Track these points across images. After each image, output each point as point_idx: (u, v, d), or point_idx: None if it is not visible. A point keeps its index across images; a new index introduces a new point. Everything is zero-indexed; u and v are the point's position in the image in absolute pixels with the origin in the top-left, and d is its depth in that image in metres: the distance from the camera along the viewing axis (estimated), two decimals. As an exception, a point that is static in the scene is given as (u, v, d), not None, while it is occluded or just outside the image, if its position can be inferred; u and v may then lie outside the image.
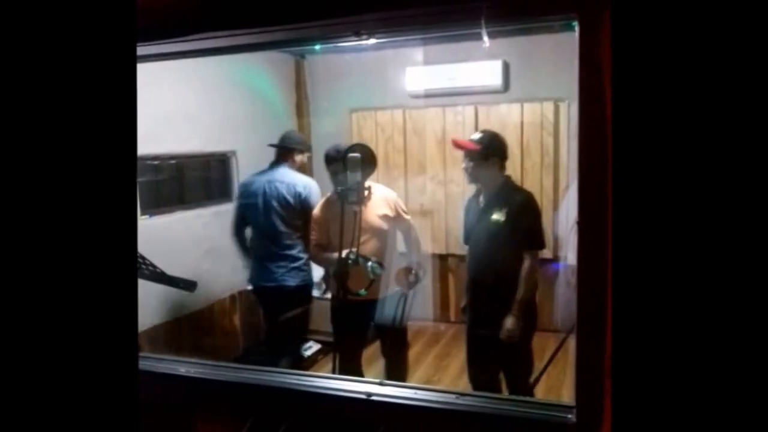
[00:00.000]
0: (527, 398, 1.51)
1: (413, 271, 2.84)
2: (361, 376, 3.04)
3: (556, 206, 4.39)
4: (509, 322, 2.52)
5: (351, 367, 2.91)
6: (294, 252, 3.31)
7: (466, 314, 2.82)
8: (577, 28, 1.10)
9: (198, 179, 4.22)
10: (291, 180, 3.28)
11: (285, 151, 3.35)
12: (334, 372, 2.35)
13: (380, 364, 3.17)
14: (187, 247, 3.80)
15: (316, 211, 3.01)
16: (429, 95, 4.54)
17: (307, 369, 3.66)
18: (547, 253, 4.00)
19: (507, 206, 2.58)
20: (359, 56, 4.14)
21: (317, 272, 3.74)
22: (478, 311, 2.73)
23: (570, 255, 3.07)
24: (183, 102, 3.72)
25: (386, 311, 2.91)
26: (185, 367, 1.61)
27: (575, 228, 1.14)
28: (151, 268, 1.96)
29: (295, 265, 3.32)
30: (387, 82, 4.61)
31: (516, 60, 4.42)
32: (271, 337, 3.74)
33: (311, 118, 5.05)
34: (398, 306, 2.90)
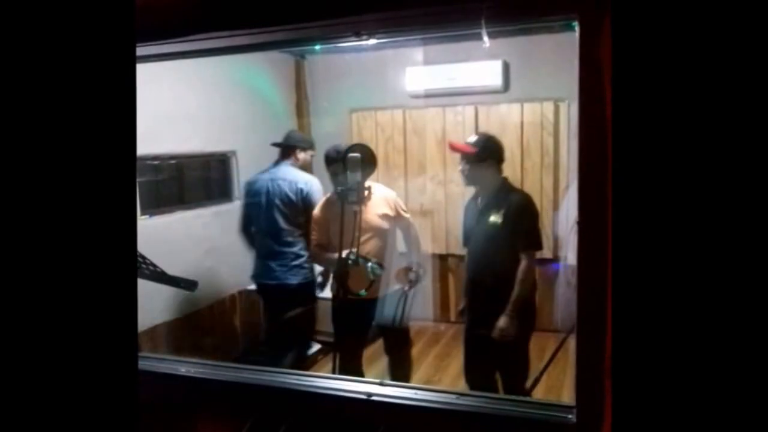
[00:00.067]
0: (527, 398, 1.51)
1: (413, 271, 2.85)
2: (362, 376, 3.04)
3: (556, 206, 4.39)
4: (502, 321, 2.54)
5: (351, 367, 2.91)
6: (295, 249, 3.33)
7: (465, 316, 2.83)
8: (577, 29, 1.10)
9: (198, 179, 4.22)
10: (293, 177, 3.33)
11: (288, 150, 3.40)
12: (334, 372, 2.35)
13: (381, 364, 3.17)
14: (187, 247, 3.80)
15: (316, 211, 3.02)
16: (429, 95, 4.54)
17: (307, 369, 3.66)
18: (547, 253, 4.02)
19: (504, 208, 2.59)
20: (359, 56, 4.14)
21: (316, 270, 3.74)
22: (476, 312, 2.74)
23: (570, 255, 3.08)
24: (183, 102, 3.72)
25: (387, 311, 2.91)
26: (185, 367, 1.61)
27: (575, 228, 1.14)
28: (151, 267, 1.96)
29: (297, 262, 3.33)
30: (387, 82, 4.60)
31: (516, 60, 4.42)
32: (273, 336, 3.74)
33: (311, 118, 5.04)
34: (398, 305, 2.91)
